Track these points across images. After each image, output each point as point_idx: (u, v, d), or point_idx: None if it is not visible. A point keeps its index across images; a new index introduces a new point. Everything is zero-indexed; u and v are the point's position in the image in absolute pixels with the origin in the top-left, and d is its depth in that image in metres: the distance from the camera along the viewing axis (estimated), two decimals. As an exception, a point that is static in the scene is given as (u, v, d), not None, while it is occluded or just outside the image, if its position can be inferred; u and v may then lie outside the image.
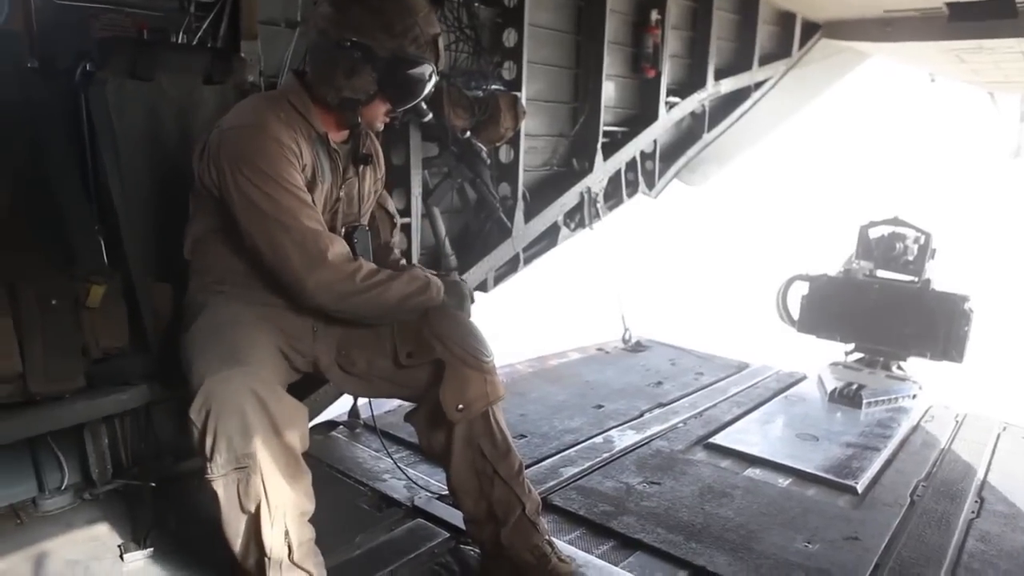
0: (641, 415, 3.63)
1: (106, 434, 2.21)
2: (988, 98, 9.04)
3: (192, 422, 1.64)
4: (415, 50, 1.82)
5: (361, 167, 2.05)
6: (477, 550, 2.20)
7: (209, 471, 1.66)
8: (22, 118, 2.05)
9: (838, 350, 4.62)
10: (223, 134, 1.81)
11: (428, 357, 1.98)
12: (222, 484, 1.66)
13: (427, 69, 1.86)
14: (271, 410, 1.66)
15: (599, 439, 3.27)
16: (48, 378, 1.89)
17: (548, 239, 4.15)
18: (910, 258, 4.53)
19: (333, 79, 1.84)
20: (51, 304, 1.91)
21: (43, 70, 2.17)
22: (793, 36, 5.88)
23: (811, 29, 5.99)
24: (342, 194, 2.02)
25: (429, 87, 1.91)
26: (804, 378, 4.41)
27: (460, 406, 1.95)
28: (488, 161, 3.57)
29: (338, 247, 1.84)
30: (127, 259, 2.14)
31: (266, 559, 1.71)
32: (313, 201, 1.87)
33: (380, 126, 1.99)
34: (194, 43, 2.48)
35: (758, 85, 5.70)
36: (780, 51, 5.87)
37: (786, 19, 5.84)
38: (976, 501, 2.88)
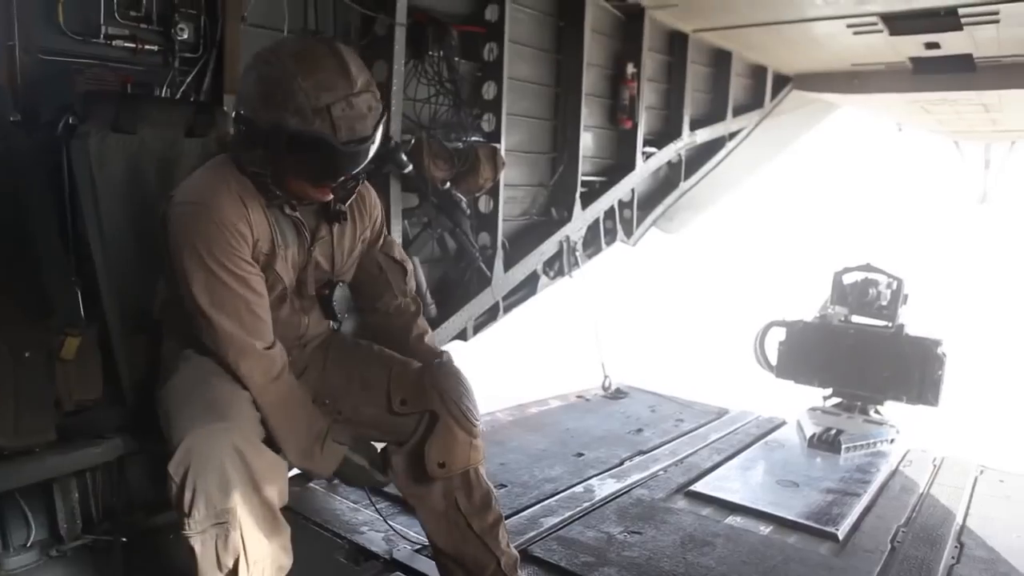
0: (621, 463, 3.61)
1: (76, 488, 2.15)
2: (953, 146, 9.35)
3: (170, 477, 1.61)
4: (298, 122, 1.58)
5: (336, 225, 1.93)
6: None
7: (186, 527, 1.62)
8: (3, 170, 2.05)
9: (816, 395, 4.65)
10: (172, 209, 1.74)
11: (423, 407, 2.00)
12: (200, 540, 1.63)
13: (319, 143, 1.60)
14: (251, 465, 1.64)
15: (579, 488, 3.25)
16: (18, 432, 1.85)
17: (528, 288, 4.19)
18: (883, 303, 4.60)
19: (238, 152, 1.75)
20: (24, 356, 1.89)
21: (26, 123, 2.18)
22: (765, 88, 6.08)
23: (782, 81, 6.22)
24: (312, 256, 1.92)
25: (343, 163, 1.66)
26: (783, 424, 4.43)
27: (442, 463, 1.98)
28: (468, 211, 3.61)
29: (256, 350, 1.78)
30: (104, 311, 2.12)
31: (243, 616, 1.67)
32: (277, 269, 1.84)
33: (323, 198, 1.80)
34: (177, 96, 2.51)
35: (732, 135, 5.87)
36: (753, 102, 6.07)
37: (758, 72, 6.05)
38: (956, 547, 2.89)
